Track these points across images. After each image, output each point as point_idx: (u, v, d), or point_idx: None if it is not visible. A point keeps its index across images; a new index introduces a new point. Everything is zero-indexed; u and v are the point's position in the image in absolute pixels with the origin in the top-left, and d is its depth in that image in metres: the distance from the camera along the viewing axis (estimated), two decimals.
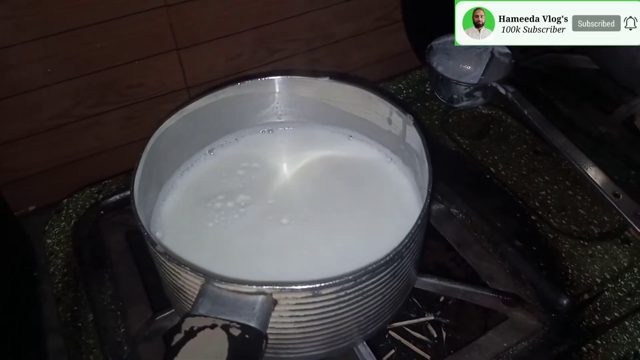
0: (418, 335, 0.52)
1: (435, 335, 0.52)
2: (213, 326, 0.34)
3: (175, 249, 0.45)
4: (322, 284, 0.36)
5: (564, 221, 0.56)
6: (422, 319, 0.53)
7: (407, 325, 0.52)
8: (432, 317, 0.53)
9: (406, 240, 0.38)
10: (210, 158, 0.54)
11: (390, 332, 0.52)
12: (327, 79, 0.51)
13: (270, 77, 0.51)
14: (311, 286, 0.36)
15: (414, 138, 0.46)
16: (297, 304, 0.37)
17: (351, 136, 0.55)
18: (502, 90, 0.64)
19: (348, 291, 0.37)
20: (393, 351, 0.51)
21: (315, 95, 0.53)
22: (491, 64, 0.70)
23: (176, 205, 0.50)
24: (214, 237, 0.47)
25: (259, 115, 0.55)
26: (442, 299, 0.54)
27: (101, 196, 0.60)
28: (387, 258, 0.37)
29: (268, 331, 0.37)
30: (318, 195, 0.51)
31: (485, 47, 0.69)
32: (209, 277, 0.36)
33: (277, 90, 0.53)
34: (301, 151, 0.54)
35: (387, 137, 0.52)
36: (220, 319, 0.34)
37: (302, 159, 0.54)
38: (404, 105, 0.50)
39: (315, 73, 0.51)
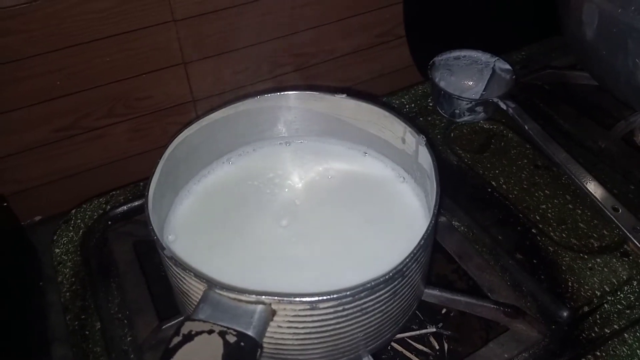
0: (420, 347, 0.52)
1: (437, 347, 0.52)
2: (210, 332, 0.35)
3: (188, 254, 0.46)
4: (320, 298, 0.36)
5: (564, 234, 0.57)
6: (424, 331, 0.53)
7: (409, 337, 0.53)
8: (434, 329, 0.53)
9: (407, 260, 0.38)
10: (228, 167, 0.55)
11: (393, 343, 0.52)
12: (344, 96, 0.52)
13: (288, 92, 0.53)
14: (309, 299, 0.36)
15: (425, 158, 0.47)
16: (295, 315, 0.37)
17: (366, 153, 0.56)
18: (503, 106, 0.65)
19: (346, 307, 0.38)
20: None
21: (332, 111, 0.54)
22: (492, 79, 0.71)
23: (191, 211, 0.51)
24: (226, 245, 0.49)
25: (276, 127, 0.56)
26: (444, 311, 0.55)
27: (109, 207, 0.61)
28: (387, 276, 0.38)
29: (267, 341, 0.38)
30: (330, 209, 0.52)
31: (487, 63, 0.71)
32: (211, 283, 0.37)
33: (294, 105, 0.54)
34: (316, 165, 0.56)
35: (401, 156, 0.53)
36: (218, 325, 0.35)
37: (317, 172, 0.55)
38: (413, 122, 0.51)
39: (332, 89, 0.52)
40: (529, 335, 0.49)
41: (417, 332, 0.53)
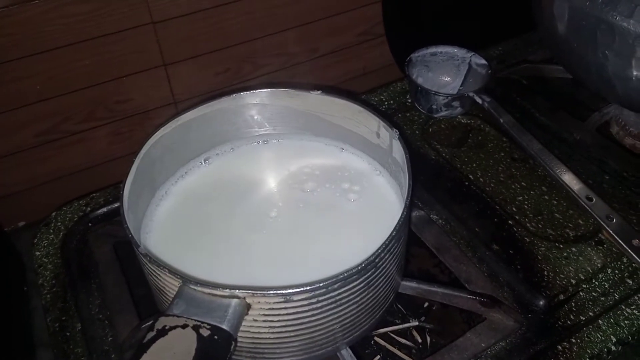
0: (403, 340, 0.53)
1: (420, 341, 0.53)
2: (184, 326, 0.35)
3: (167, 252, 0.46)
4: (293, 290, 0.37)
5: (540, 225, 0.58)
6: (407, 325, 0.54)
7: (391, 331, 0.53)
8: (417, 323, 0.54)
9: (379, 251, 0.39)
10: (205, 167, 0.55)
11: (376, 338, 0.53)
12: (319, 92, 0.52)
13: (263, 90, 0.53)
14: (283, 292, 0.37)
15: (398, 152, 0.48)
16: (269, 309, 0.38)
17: (343, 148, 0.57)
18: (479, 100, 0.66)
19: (320, 298, 0.38)
20: (378, 357, 0.51)
21: (308, 108, 0.54)
22: (469, 75, 0.72)
23: (169, 211, 0.51)
24: (203, 243, 0.49)
25: (253, 126, 0.56)
26: (426, 304, 0.55)
27: (89, 209, 0.61)
28: (359, 267, 0.38)
29: (244, 335, 0.39)
30: (307, 205, 0.52)
31: (463, 59, 0.72)
32: (185, 279, 0.37)
33: (270, 102, 0.54)
34: (294, 162, 0.56)
35: (376, 150, 0.53)
36: (192, 319, 0.35)
37: (295, 169, 0.56)
38: (387, 117, 0.51)
39: (307, 86, 0.52)
40: (506, 324, 0.50)
41: (400, 327, 0.53)
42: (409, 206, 0.42)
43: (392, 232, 0.39)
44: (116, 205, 0.61)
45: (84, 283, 0.55)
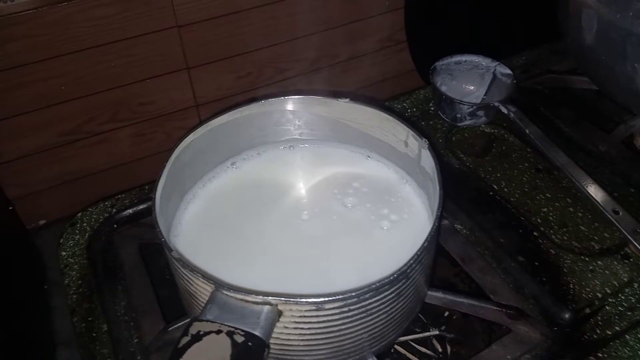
0: (423, 349, 0.53)
1: (440, 350, 0.52)
2: (218, 332, 0.35)
3: (194, 256, 0.47)
4: (326, 299, 0.37)
5: (565, 237, 0.57)
6: (427, 334, 0.54)
7: (412, 340, 0.53)
8: (437, 332, 0.53)
9: (411, 262, 0.39)
10: (233, 171, 0.56)
11: (396, 346, 0.52)
12: (347, 100, 0.52)
13: (292, 97, 0.53)
14: (315, 300, 0.37)
15: (427, 161, 0.48)
16: (301, 316, 0.38)
17: (369, 156, 0.57)
18: (505, 110, 0.66)
19: (352, 307, 0.38)
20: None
21: (335, 115, 0.55)
22: (493, 84, 0.72)
23: (197, 214, 0.51)
24: (231, 247, 0.49)
25: (280, 132, 0.57)
26: (446, 313, 0.55)
27: (115, 210, 0.62)
28: (392, 278, 0.38)
29: (273, 342, 0.39)
30: (334, 212, 0.52)
31: (488, 68, 0.72)
32: (218, 284, 0.38)
33: (298, 109, 0.54)
34: (320, 168, 0.56)
35: (404, 159, 0.53)
36: (225, 325, 0.35)
37: (321, 175, 0.56)
38: (415, 126, 0.51)
39: (335, 94, 0.53)
40: (531, 337, 0.49)
41: (420, 335, 0.53)
42: (440, 217, 0.42)
43: (423, 243, 0.39)
44: (142, 207, 0.62)
45: (109, 284, 0.55)
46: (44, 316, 0.80)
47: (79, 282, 0.55)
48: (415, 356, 0.52)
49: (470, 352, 0.51)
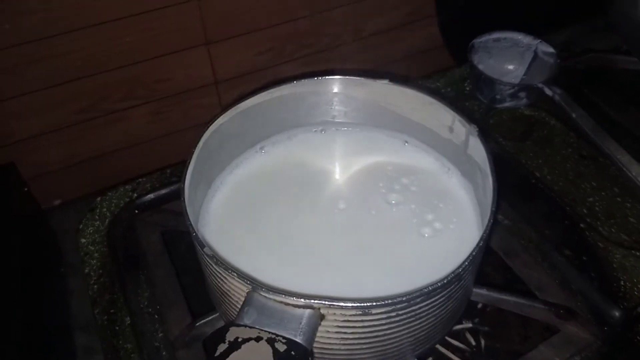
0: (456, 343, 0.51)
1: (474, 343, 0.50)
2: (258, 339, 0.33)
3: (222, 248, 0.44)
4: (374, 304, 0.34)
5: (613, 229, 0.54)
6: (460, 326, 0.51)
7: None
8: (470, 325, 0.52)
9: (466, 263, 0.36)
10: (261, 156, 0.52)
11: None
12: (386, 81, 0.49)
13: (327, 77, 0.50)
14: (362, 304, 0.34)
15: (477, 150, 0.44)
16: (345, 320, 0.35)
17: (407, 142, 0.53)
18: (549, 92, 0.62)
19: (400, 312, 0.35)
20: (431, 359, 0.49)
21: (373, 97, 0.51)
22: (534, 63, 0.68)
23: (224, 203, 0.49)
24: (262, 240, 0.46)
25: (312, 114, 0.53)
26: (479, 305, 0.52)
27: (135, 195, 0.59)
28: (445, 280, 0.35)
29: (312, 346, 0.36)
30: (371, 202, 0.49)
31: (529, 46, 0.67)
32: (255, 285, 0.35)
33: (333, 90, 0.51)
34: (354, 154, 0.53)
35: (447, 146, 0.50)
36: (265, 331, 0.33)
37: (355, 162, 0.52)
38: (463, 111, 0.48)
39: (373, 74, 0.49)
40: (581, 338, 0.47)
41: (453, 328, 0.51)
42: (495, 212, 0.38)
43: (478, 242, 0.36)
44: (163, 191, 0.59)
45: (131, 274, 0.53)
46: (60, 299, 0.78)
47: (100, 271, 0.53)
48: (448, 350, 0.50)
49: (504, 346, 0.49)
